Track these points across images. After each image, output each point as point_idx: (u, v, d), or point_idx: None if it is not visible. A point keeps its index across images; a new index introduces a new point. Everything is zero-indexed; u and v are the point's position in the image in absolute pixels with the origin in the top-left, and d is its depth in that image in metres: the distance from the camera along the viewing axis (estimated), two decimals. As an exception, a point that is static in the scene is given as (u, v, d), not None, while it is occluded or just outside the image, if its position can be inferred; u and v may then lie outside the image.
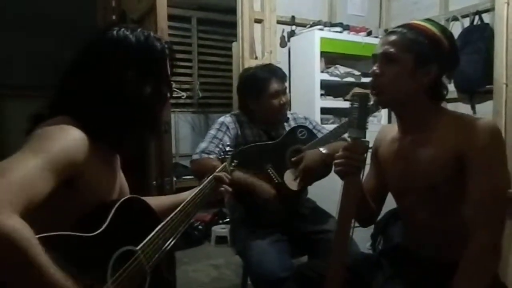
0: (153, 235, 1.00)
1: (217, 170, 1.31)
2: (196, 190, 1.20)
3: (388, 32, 1.23)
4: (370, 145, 1.23)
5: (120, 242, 0.93)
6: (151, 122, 1.07)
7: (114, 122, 0.98)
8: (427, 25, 1.18)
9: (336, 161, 1.18)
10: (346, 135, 1.85)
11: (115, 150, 1.07)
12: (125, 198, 1.02)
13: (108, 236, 0.89)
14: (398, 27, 1.21)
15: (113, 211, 0.93)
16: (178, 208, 1.10)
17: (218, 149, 1.82)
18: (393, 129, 1.32)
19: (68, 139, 0.85)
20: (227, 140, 1.85)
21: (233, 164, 1.44)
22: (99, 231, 0.88)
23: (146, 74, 1.00)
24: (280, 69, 2.01)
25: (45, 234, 0.77)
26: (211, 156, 1.79)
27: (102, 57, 0.98)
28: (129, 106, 0.99)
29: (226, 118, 1.95)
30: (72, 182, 0.87)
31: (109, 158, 1.05)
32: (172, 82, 1.11)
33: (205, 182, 1.24)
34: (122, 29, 1.01)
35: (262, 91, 1.88)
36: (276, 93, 1.88)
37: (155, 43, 1.03)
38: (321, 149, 1.83)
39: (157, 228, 1.02)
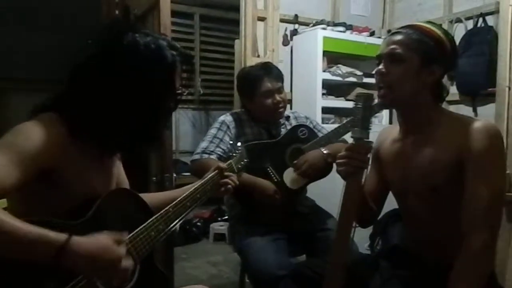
0: (143, 227, 1.00)
1: (222, 167, 1.26)
2: (196, 184, 1.19)
3: (392, 32, 1.24)
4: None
5: (108, 232, 0.93)
6: (147, 130, 1.03)
7: (105, 125, 0.97)
8: (432, 27, 1.20)
9: (338, 161, 1.18)
10: (345, 137, 1.86)
11: (107, 151, 1.06)
12: (113, 190, 1.03)
13: (93, 226, 0.90)
14: (403, 27, 1.22)
15: (98, 202, 0.94)
16: (175, 202, 1.09)
17: (218, 149, 1.82)
18: (394, 130, 1.32)
19: (37, 135, 0.88)
20: (227, 140, 1.84)
21: (242, 163, 1.37)
22: (82, 219, 0.90)
23: (150, 84, 0.97)
24: (275, 67, 1.98)
25: (25, 219, 0.79)
26: (212, 156, 1.78)
27: (105, 62, 0.96)
28: (124, 113, 0.97)
29: (227, 117, 1.94)
30: (49, 176, 0.90)
31: (99, 156, 1.04)
32: (179, 93, 1.06)
33: (207, 178, 1.21)
34: (135, 36, 0.97)
35: (254, 90, 1.87)
36: (269, 92, 1.86)
37: (165, 54, 0.98)
38: (322, 149, 1.83)
39: (148, 220, 1.02)
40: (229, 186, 1.24)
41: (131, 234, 0.97)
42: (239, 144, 1.47)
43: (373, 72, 1.23)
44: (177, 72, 1.02)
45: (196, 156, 1.82)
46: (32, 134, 0.88)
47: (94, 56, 0.98)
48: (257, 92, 1.87)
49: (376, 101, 1.25)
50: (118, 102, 0.96)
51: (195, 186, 1.17)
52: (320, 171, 1.84)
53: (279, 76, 1.93)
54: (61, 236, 0.78)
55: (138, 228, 0.99)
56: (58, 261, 0.77)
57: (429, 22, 1.24)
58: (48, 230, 0.78)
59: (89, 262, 0.81)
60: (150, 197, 1.18)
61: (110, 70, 0.95)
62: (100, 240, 0.84)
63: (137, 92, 0.96)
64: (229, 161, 1.32)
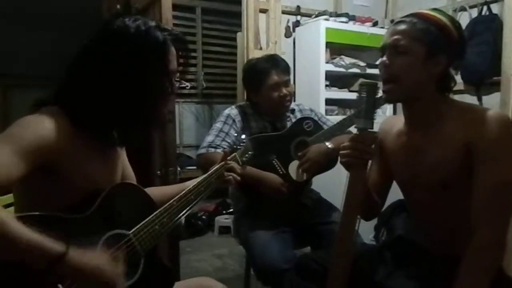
0: (147, 220, 1.01)
1: (227, 159, 1.26)
2: (200, 178, 1.19)
3: (396, 22, 1.19)
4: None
5: (112, 226, 0.95)
6: (147, 115, 1.03)
7: (104, 114, 0.97)
8: (437, 15, 1.15)
9: (342, 152, 1.16)
10: (351, 128, 1.85)
11: (109, 142, 1.06)
12: (117, 184, 1.03)
13: (98, 219, 0.91)
14: (407, 16, 1.17)
15: (102, 196, 0.94)
16: (179, 195, 1.10)
17: (224, 142, 1.81)
18: (399, 121, 1.29)
19: (42, 127, 0.88)
20: (233, 133, 1.84)
21: (247, 155, 1.36)
22: (86, 213, 0.90)
23: (143, 66, 0.97)
24: (283, 60, 1.96)
25: (28, 213, 0.81)
26: (218, 150, 1.78)
27: (99, 49, 0.97)
28: (122, 99, 0.97)
29: (232, 111, 1.93)
30: (52, 169, 0.90)
31: (102, 148, 1.04)
32: (177, 75, 1.06)
33: (211, 171, 1.21)
34: (125, 20, 0.98)
35: (261, 82, 1.85)
36: (276, 85, 1.84)
37: (156, 34, 0.98)
38: (327, 143, 1.82)
39: (153, 214, 1.02)
40: (230, 177, 1.23)
41: (135, 228, 0.98)
42: (243, 136, 1.46)
43: (377, 62, 1.21)
44: (171, 53, 1.01)
45: (202, 150, 1.81)
46: (35, 126, 0.88)
47: (88, 47, 0.99)
48: (264, 85, 1.85)
49: (380, 91, 1.22)
50: (114, 86, 0.96)
51: (199, 180, 1.17)
52: (323, 166, 1.83)
53: (286, 69, 1.91)
54: (59, 248, 0.77)
55: (143, 222, 1.00)
56: (53, 270, 0.77)
57: (435, 9, 1.19)
58: (48, 239, 0.77)
59: (83, 278, 0.81)
60: (156, 191, 1.18)
61: (103, 56, 0.96)
62: (97, 260, 0.83)
63: (131, 73, 0.96)
64: (233, 154, 1.32)
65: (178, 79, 1.07)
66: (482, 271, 1.03)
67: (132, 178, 1.21)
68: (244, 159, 1.35)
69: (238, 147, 1.37)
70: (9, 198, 1.05)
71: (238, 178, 1.25)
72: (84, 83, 0.97)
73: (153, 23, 1.01)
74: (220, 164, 1.24)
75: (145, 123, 1.05)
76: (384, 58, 1.17)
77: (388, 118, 1.40)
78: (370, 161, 1.17)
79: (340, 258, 1.15)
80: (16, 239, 0.74)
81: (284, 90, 1.86)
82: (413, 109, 1.21)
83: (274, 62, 1.89)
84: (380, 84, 1.21)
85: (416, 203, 1.27)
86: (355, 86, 3.04)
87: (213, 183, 1.20)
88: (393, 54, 1.15)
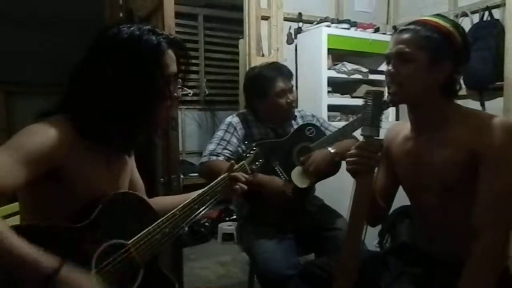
0: (148, 230, 1.00)
1: (234, 168, 1.25)
2: (206, 187, 1.18)
3: (400, 30, 1.19)
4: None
5: (111, 235, 0.94)
6: (146, 119, 1.02)
7: (106, 120, 0.98)
8: (440, 21, 1.15)
9: (348, 159, 1.17)
10: (355, 134, 1.84)
11: (114, 148, 1.06)
12: (117, 193, 1.02)
13: (96, 229, 0.91)
14: (410, 24, 1.18)
15: (101, 204, 0.94)
16: (182, 205, 1.09)
17: (226, 150, 1.81)
18: (405, 127, 1.29)
19: (46, 135, 0.89)
20: (235, 141, 1.84)
21: (257, 163, 1.35)
22: (85, 222, 0.90)
23: (139, 70, 0.97)
24: (286, 67, 1.97)
25: (26, 223, 0.81)
26: (220, 158, 1.78)
27: (96, 57, 0.98)
28: (121, 104, 0.97)
29: (234, 118, 1.94)
30: (55, 176, 0.91)
31: (107, 155, 1.04)
32: (180, 79, 1.06)
33: (217, 180, 1.20)
34: (119, 27, 0.99)
35: (268, 90, 1.86)
36: (282, 92, 1.86)
37: (150, 38, 0.98)
38: (329, 148, 1.82)
39: (154, 224, 1.02)
40: (237, 186, 1.23)
41: (134, 238, 0.97)
42: (253, 144, 1.45)
43: (380, 68, 1.21)
44: (167, 56, 1.01)
45: (204, 159, 1.82)
46: (39, 134, 0.89)
47: (86, 56, 1.00)
48: (270, 93, 1.86)
49: (387, 99, 1.23)
50: (113, 91, 0.96)
51: (205, 189, 1.17)
52: (328, 170, 1.83)
53: (290, 76, 1.94)
54: (53, 263, 0.77)
55: (142, 232, 0.99)
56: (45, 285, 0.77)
57: (438, 15, 1.20)
58: (42, 253, 0.77)
59: None
60: (159, 200, 1.18)
61: (101, 63, 0.97)
62: (84, 281, 0.82)
63: (128, 78, 0.96)
64: (241, 162, 1.31)
65: (181, 85, 1.07)
66: (485, 276, 1.03)
67: (139, 185, 1.21)
68: (254, 167, 1.34)
69: (247, 155, 1.36)
70: (14, 207, 1.06)
71: (245, 187, 1.24)
72: (85, 91, 0.98)
73: (147, 27, 1.01)
74: (226, 174, 1.23)
75: (145, 127, 1.05)
76: (390, 67, 1.18)
77: (394, 125, 1.40)
78: (376, 168, 1.17)
79: (346, 266, 1.14)
80: (13, 252, 0.74)
81: (290, 97, 1.88)
82: (418, 113, 1.22)
83: (279, 70, 1.91)
84: (385, 91, 1.22)
85: (421, 208, 1.27)
86: (358, 92, 3.05)
87: (219, 192, 1.19)
88: (398, 62, 1.16)
